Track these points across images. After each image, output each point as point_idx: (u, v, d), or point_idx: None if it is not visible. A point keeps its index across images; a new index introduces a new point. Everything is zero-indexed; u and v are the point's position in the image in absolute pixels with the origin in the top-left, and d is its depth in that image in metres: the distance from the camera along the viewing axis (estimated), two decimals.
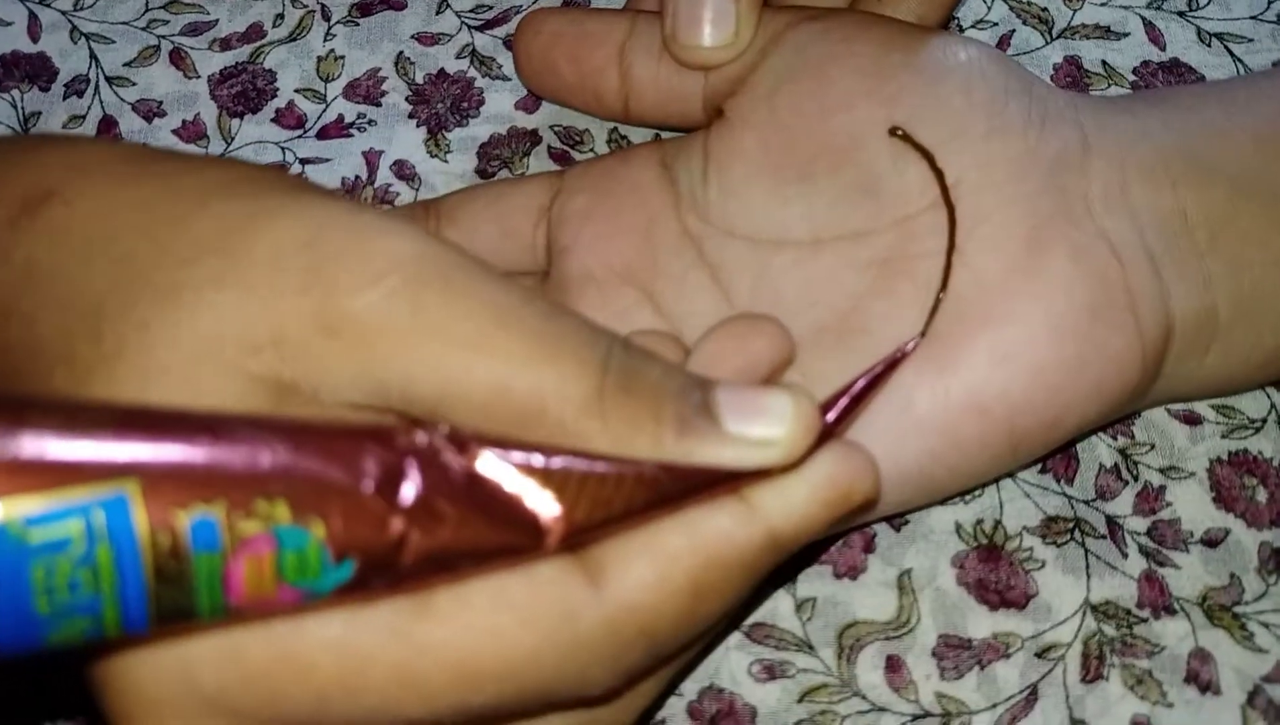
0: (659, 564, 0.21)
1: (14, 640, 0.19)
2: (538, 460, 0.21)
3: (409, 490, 0.20)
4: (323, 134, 0.37)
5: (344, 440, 0.20)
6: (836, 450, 0.23)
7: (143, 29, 0.39)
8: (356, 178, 0.36)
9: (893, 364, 0.26)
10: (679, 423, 0.21)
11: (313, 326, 0.20)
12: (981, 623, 0.30)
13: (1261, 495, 0.31)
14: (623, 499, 0.21)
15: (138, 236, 0.22)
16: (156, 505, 0.19)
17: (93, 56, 0.38)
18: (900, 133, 0.29)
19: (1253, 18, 0.38)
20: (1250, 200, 0.29)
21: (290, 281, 0.21)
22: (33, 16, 0.39)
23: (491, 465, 0.20)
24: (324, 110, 0.37)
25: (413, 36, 0.38)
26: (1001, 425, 0.28)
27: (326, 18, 0.39)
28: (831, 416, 0.24)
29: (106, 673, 0.21)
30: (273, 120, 0.37)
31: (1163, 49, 0.37)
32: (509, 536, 0.21)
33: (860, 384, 0.25)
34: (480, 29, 0.38)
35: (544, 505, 0.21)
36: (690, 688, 0.30)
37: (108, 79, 0.38)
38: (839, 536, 0.31)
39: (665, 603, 0.21)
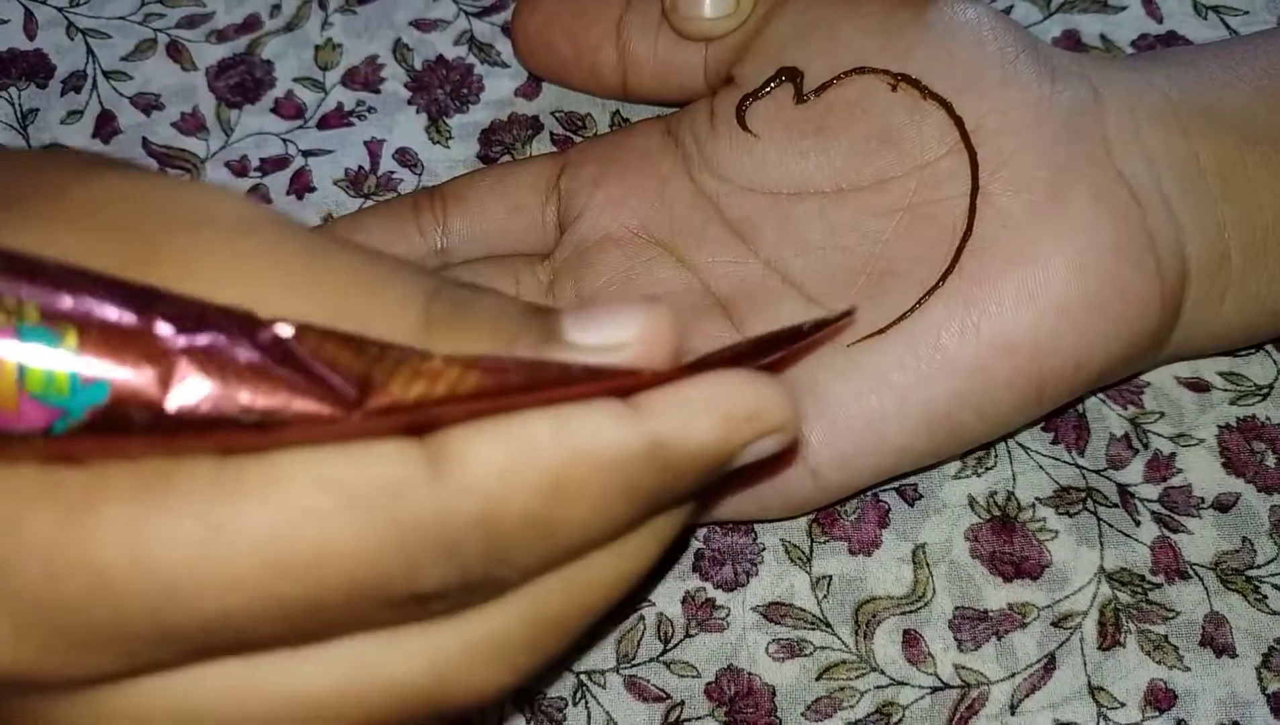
0: (513, 449, 0.18)
1: None
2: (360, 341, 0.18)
3: (200, 337, 0.17)
4: (323, 123, 0.37)
5: (141, 286, 0.17)
6: (746, 371, 0.19)
7: (139, 23, 0.38)
8: (360, 168, 0.36)
9: (817, 327, 0.23)
10: (513, 340, 0.19)
11: (129, 260, 0.18)
12: (997, 594, 0.30)
13: (1270, 460, 0.31)
14: (464, 382, 0.18)
15: None
16: None
17: (90, 52, 0.38)
18: (902, 80, 0.29)
19: None
20: (1256, 148, 0.30)
21: (108, 220, 0.19)
22: (29, 15, 0.38)
23: (304, 333, 0.18)
24: (323, 99, 0.37)
25: (410, 23, 0.38)
26: (1029, 364, 0.28)
27: (323, 6, 0.38)
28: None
29: None
30: (272, 110, 0.37)
31: (1160, 21, 0.37)
32: (313, 396, 0.17)
33: (771, 338, 0.21)
34: (478, 15, 0.38)
35: (361, 371, 0.18)
36: (708, 669, 0.30)
37: (105, 73, 0.37)
38: (852, 509, 0.31)
39: (514, 494, 0.18)
